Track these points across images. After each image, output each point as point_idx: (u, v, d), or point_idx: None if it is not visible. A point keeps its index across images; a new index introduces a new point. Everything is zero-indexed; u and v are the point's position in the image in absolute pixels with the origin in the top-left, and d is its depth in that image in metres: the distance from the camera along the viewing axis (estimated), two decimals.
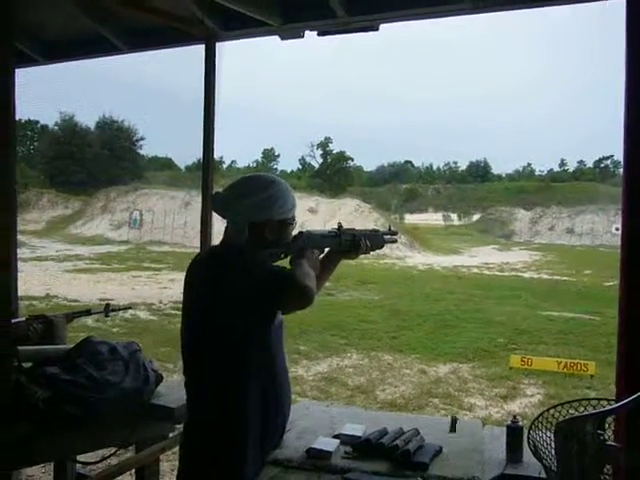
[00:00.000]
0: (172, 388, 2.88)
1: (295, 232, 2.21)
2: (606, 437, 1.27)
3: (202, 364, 2.08)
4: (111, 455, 2.82)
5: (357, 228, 2.46)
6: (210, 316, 2.01)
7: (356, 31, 3.29)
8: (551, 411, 1.48)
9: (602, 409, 1.35)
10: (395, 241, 2.68)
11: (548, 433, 1.45)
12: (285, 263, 2.12)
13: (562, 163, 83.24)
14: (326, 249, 2.33)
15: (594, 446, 1.22)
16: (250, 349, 2.03)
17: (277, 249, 2.12)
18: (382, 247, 2.54)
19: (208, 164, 3.30)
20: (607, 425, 1.34)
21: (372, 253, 2.48)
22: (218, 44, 3.20)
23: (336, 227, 2.36)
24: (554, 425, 1.35)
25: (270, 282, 1.97)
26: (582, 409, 1.41)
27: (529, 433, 1.51)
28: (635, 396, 1.24)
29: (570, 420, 1.30)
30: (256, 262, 2.02)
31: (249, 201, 2.08)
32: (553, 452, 1.36)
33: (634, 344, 1.33)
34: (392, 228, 2.70)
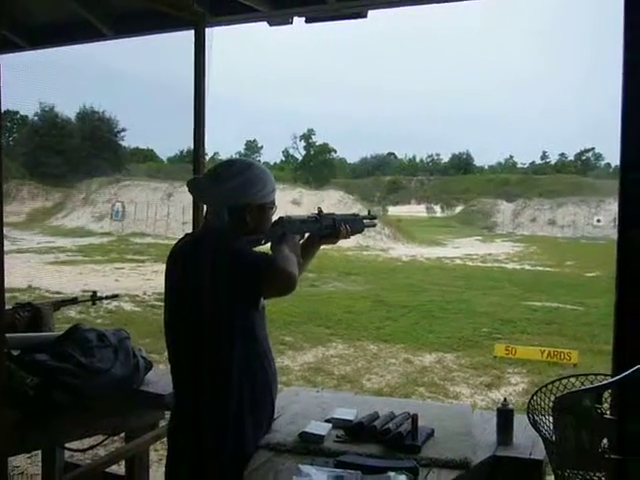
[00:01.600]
0: (162, 375, 2.87)
1: (275, 218, 2.19)
2: (604, 411, 1.29)
3: (186, 351, 2.07)
4: (101, 443, 2.81)
5: (337, 213, 2.46)
6: (192, 303, 1.99)
7: (344, 18, 3.28)
8: (549, 386, 1.49)
9: (599, 383, 1.37)
10: (374, 225, 2.69)
11: (547, 408, 1.47)
12: (266, 249, 2.11)
13: (544, 155, 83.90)
14: (307, 234, 2.33)
15: (591, 419, 1.24)
16: (234, 334, 2.02)
17: (257, 235, 2.10)
18: (362, 231, 2.55)
19: (199, 153, 3.26)
20: (604, 399, 1.36)
21: (356, 244, 2.51)
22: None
23: (316, 212, 2.36)
24: (552, 400, 1.38)
25: (250, 269, 1.95)
26: (579, 384, 1.43)
27: (529, 406, 1.53)
28: (631, 370, 1.26)
29: (568, 395, 1.32)
30: (236, 248, 2.00)
31: (227, 185, 2.05)
32: (551, 426, 1.38)
33: (630, 321, 1.35)
34: (372, 212, 2.70)
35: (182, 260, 2.08)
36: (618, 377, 1.29)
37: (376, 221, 2.66)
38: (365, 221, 2.55)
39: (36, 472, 4.03)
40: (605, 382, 1.36)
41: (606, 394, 1.37)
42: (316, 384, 6.90)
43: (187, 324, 2.04)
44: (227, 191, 2.05)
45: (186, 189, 2.17)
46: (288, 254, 2.04)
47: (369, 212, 2.68)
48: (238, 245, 2.02)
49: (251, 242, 2.09)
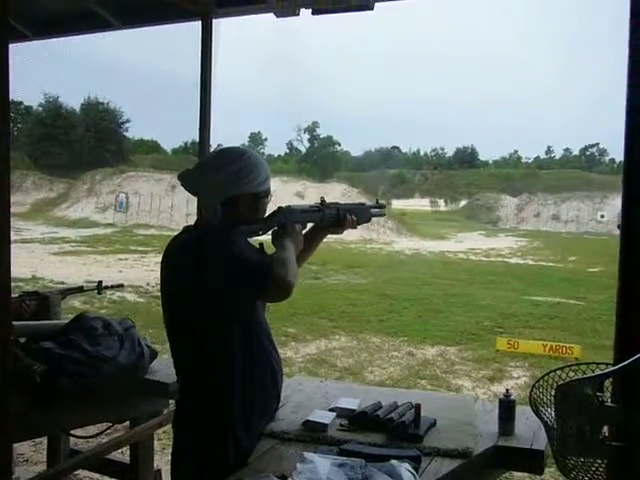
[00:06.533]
0: (166, 364, 2.88)
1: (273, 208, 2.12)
2: (605, 399, 1.31)
3: (188, 345, 2.07)
4: (105, 430, 2.83)
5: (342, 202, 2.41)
6: (190, 299, 1.98)
7: (351, 10, 3.28)
8: (551, 374, 1.52)
9: (601, 372, 1.40)
10: (383, 215, 2.63)
11: (549, 395, 1.50)
12: (264, 239, 2.06)
13: (548, 150, 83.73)
14: (309, 225, 2.27)
15: (592, 407, 1.26)
16: (232, 327, 2.01)
17: (254, 226, 2.04)
18: (369, 221, 2.49)
19: (204, 145, 3.27)
20: (606, 388, 1.39)
21: (359, 237, 2.46)
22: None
23: (319, 202, 2.29)
24: (554, 387, 1.40)
25: (246, 274, 1.90)
26: (581, 373, 1.45)
27: (531, 394, 1.55)
28: (631, 359, 1.28)
29: (570, 383, 1.34)
30: (232, 244, 1.95)
31: (219, 177, 2.00)
32: (553, 414, 1.40)
33: (632, 309, 1.37)
34: (380, 201, 2.64)
35: (178, 257, 2.04)
36: (619, 365, 1.31)
37: (384, 210, 2.60)
38: (373, 210, 2.49)
39: (40, 459, 4.07)
40: (606, 370, 1.38)
41: (607, 383, 1.40)
42: (319, 376, 6.93)
43: (187, 319, 2.03)
44: (219, 182, 1.99)
45: None
46: (288, 254, 1.98)
47: (377, 201, 2.62)
48: (235, 248, 1.95)
49: (248, 233, 2.03)
